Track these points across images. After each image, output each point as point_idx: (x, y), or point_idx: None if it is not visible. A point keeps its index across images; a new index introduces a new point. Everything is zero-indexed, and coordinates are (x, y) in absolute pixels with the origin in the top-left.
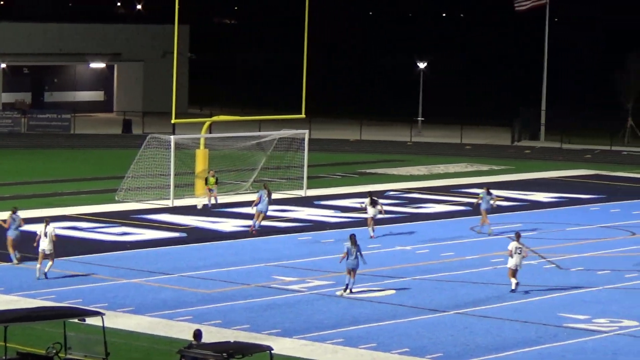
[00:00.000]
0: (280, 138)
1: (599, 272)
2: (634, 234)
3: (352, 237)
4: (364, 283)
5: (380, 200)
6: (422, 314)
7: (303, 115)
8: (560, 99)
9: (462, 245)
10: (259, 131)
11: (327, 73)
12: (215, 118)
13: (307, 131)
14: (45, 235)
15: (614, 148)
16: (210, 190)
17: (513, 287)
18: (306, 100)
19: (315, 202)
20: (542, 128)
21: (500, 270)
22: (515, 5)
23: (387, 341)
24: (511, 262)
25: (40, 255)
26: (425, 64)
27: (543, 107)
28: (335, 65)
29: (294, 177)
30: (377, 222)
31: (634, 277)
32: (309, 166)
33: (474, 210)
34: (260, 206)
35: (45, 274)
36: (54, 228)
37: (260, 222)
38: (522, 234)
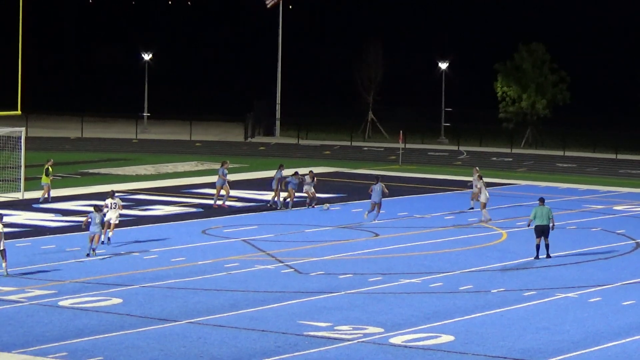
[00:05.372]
0: None
1: (341, 276)
2: (377, 235)
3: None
4: (88, 292)
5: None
6: (152, 324)
7: (19, 112)
8: (297, 92)
9: (194, 250)
10: None
11: (44, 66)
12: None
13: (23, 129)
14: None
15: (354, 144)
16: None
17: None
18: (22, 95)
19: (34, 206)
20: (278, 123)
21: (234, 276)
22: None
23: (115, 354)
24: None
25: None
26: (150, 55)
27: (278, 100)
28: (52, 58)
29: (10, 178)
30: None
31: (377, 280)
32: (26, 167)
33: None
34: None
35: None
36: None
37: None
38: (259, 237)
